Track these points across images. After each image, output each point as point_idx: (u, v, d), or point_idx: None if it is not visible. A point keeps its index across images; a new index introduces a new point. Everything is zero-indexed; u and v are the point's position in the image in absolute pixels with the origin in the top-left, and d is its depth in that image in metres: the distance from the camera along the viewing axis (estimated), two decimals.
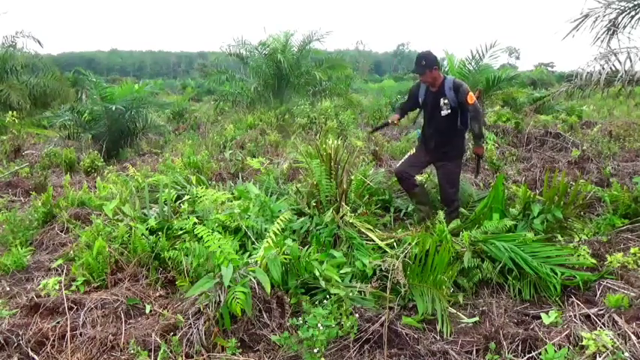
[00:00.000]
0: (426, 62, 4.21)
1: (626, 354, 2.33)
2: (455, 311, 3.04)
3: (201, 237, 3.12)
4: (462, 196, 4.79)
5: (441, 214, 3.93)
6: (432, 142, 4.46)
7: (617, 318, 2.71)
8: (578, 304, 2.96)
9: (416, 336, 2.71)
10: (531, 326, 2.76)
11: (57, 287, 3.17)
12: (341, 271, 3.17)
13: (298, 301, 2.96)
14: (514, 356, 2.50)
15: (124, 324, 2.81)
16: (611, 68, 5.20)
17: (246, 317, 2.74)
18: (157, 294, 3.23)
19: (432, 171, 5.07)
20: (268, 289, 2.77)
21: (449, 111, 4.26)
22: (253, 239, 3.56)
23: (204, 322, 2.66)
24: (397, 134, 10.40)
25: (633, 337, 2.49)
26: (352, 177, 4.58)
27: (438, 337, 2.76)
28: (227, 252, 2.96)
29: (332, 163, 3.96)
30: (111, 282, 3.36)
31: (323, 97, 13.17)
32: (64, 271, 3.48)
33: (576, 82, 5.55)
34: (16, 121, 10.09)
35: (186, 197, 4.47)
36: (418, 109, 4.72)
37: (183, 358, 2.53)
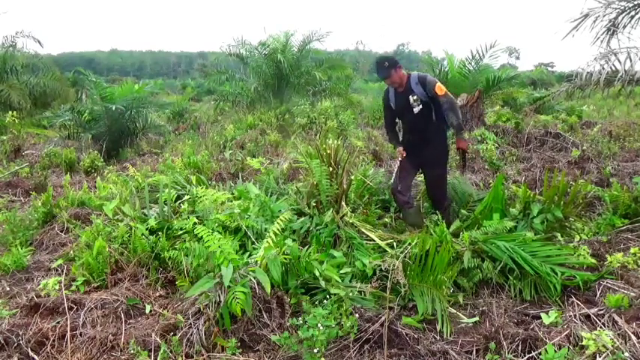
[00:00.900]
0: (389, 63, 4.08)
1: (626, 354, 2.33)
2: (455, 311, 3.04)
3: (201, 237, 3.12)
4: (462, 196, 4.79)
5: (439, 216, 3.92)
6: (414, 146, 4.27)
7: (617, 318, 2.71)
8: (578, 304, 2.96)
9: (416, 336, 2.71)
10: (531, 326, 2.76)
11: (57, 287, 3.17)
12: (341, 271, 3.17)
13: (298, 301, 2.96)
14: (514, 356, 2.49)
15: (124, 324, 2.81)
16: (611, 68, 5.21)
17: (246, 317, 2.74)
18: (157, 294, 3.23)
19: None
20: (268, 289, 2.77)
21: (420, 107, 4.09)
22: (253, 239, 3.56)
23: (204, 322, 2.66)
24: None
25: (633, 337, 2.48)
26: (352, 177, 4.58)
27: (438, 337, 2.76)
28: (227, 252, 2.96)
29: (332, 163, 3.96)
30: (111, 282, 3.36)
31: (323, 97, 13.16)
32: (64, 271, 3.48)
33: (576, 82, 5.56)
34: (16, 121, 10.10)
35: (186, 197, 4.47)
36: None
37: (183, 358, 2.53)
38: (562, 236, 3.92)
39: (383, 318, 2.72)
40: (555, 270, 3.24)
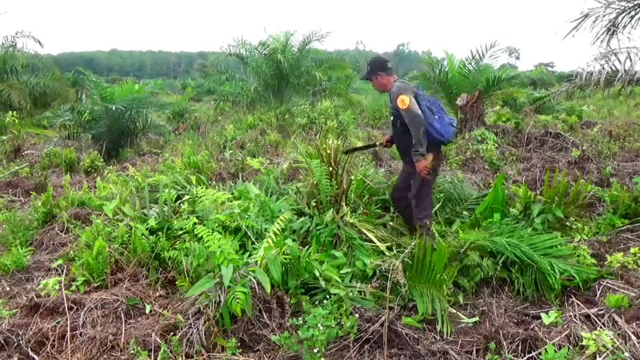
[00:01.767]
0: (371, 68, 3.90)
1: (626, 354, 2.33)
2: (455, 311, 3.04)
3: (201, 237, 3.12)
4: (462, 195, 4.78)
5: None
6: (397, 150, 4.28)
7: (617, 318, 2.71)
8: (578, 304, 2.96)
9: (416, 336, 2.71)
10: (531, 326, 2.76)
11: (57, 287, 3.17)
12: (341, 272, 3.17)
13: (298, 301, 2.96)
14: (514, 356, 2.49)
15: (124, 324, 2.81)
16: (611, 68, 5.21)
17: (246, 317, 2.74)
18: (157, 294, 3.23)
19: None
20: (268, 289, 2.77)
21: (392, 117, 3.96)
22: (253, 239, 3.56)
23: (204, 322, 2.66)
24: None
25: (633, 337, 2.49)
26: (352, 177, 4.57)
27: (438, 337, 2.76)
28: (227, 252, 2.96)
29: (332, 163, 3.96)
30: (111, 282, 3.36)
31: (323, 97, 13.17)
32: (64, 271, 3.48)
33: (576, 82, 5.56)
34: (16, 121, 10.09)
35: (186, 197, 4.47)
36: None
37: (183, 358, 2.53)
38: (562, 236, 3.92)
39: (383, 318, 2.72)
40: (555, 264, 3.25)
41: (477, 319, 2.94)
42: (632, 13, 5.31)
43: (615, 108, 15.87)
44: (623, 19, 5.36)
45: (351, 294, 2.96)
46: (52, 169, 7.89)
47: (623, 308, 2.83)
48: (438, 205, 4.57)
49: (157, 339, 2.63)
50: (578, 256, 3.51)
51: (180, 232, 3.72)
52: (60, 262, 3.65)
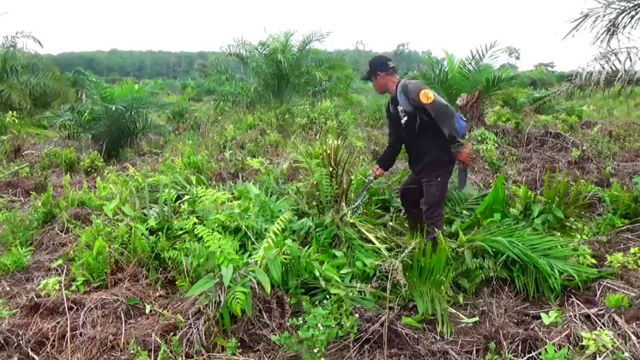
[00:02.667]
0: (371, 68, 3.75)
1: (626, 354, 2.33)
2: (455, 311, 3.04)
3: (201, 237, 3.12)
4: (462, 195, 4.78)
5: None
6: (410, 160, 3.99)
7: (617, 318, 2.71)
8: (578, 304, 2.96)
9: (416, 336, 2.71)
10: (531, 326, 2.76)
11: (57, 287, 3.17)
12: (341, 272, 3.17)
13: (298, 301, 2.96)
14: (514, 356, 2.49)
15: (124, 324, 2.81)
16: (611, 68, 5.21)
17: (246, 317, 2.74)
18: (157, 294, 3.23)
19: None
20: (268, 289, 2.77)
21: (406, 118, 3.68)
22: (253, 239, 3.55)
23: (204, 322, 2.66)
24: None
25: (633, 337, 2.48)
26: (352, 177, 4.57)
27: (438, 337, 2.76)
28: (227, 252, 2.96)
29: (332, 163, 3.96)
30: (111, 282, 3.36)
31: (323, 97, 13.17)
32: (64, 271, 3.48)
33: (576, 82, 5.56)
34: (16, 121, 10.10)
35: (186, 197, 4.47)
36: None
37: (183, 358, 2.53)
38: (562, 236, 3.92)
39: (383, 318, 2.72)
40: (555, 264, 3.25)
41: (476, 319, 2.94)
42: (632, 13, 5.31)
43: (615, 108, 15.86)
44: (623, 19, 5.36)
45: (351, 294, 2.95)
46: (52, 169, 7.89)
47: (623, 308, 2.83)
48: None
49: (157, 339, 2.63)
50: (579, 256, 3.51)
51: (180, 232, 3.72)
52: (60, 262, 3.65)
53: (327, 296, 2.91)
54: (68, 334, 2.68)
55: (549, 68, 43.27)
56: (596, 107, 15.95)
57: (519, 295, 3.28)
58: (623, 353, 2.32)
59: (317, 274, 3.04)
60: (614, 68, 5.18)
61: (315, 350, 2.43)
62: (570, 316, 2.81)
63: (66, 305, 2.94)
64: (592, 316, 2.81)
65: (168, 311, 2.93)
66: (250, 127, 10.39)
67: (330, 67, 14.14)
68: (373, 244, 3.63)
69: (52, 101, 13.78)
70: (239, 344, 2.62)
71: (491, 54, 10.13)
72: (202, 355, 2.55)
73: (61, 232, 4.37)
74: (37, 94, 13.36)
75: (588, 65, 5.35)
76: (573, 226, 4.18)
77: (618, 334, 2.54)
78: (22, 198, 6.01)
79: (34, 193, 5.60)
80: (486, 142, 7.53)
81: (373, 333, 2.67)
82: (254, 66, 13.49)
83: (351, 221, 3.75)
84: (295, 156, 6.39)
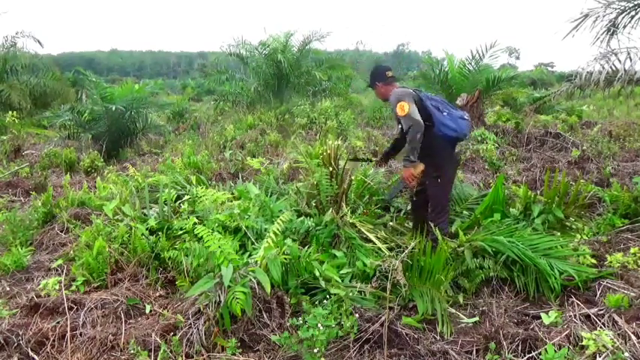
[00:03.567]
0: (370, 79, 3.95)
1: (626, 354, 2.33)
2: (455, 311, 3.04)
3: (201, 237, 3.12)
4: (462, 195, 4.78)
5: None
6: None
7: (617, 318, 2.71)
8: (578, 304, 2.96)
9: (416, 336, 2.71)
10: (531, 326, 2.76)
11: (57, 287, 3.17)
12: (341, 272, 3.17)
13: (298, 301, 2.96)
14: (514, 356, 2.49)
15: (124, 324, 2.81)
16: (611, 68, 5.21)
17: (246, 317, 2.74)
18: (157, 294, 3.23)
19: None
20: (268, 289, 2.77)
21: (399, 124, 3.77)
22: (253, 239, 3.55)
23: (204, 322, 2.66)
24: None
25: (633, 337, 2.48)
26: (352, 177, 4.57)
27: (438, 337, 2.76)
28: (227, 252, 2.96)
29: (332, 163, 3.95)
30: (111, 282, 3.36)
31: (323, 97, 13.17)
32: (64, 271, 3.48)
33: (576, 82, 5.56)
34: (16, 121, 10.10)
35: (186, 197, 4.46)
36: None
37: (183, 358, 2.53)
38: (562, 237, 3.92)
39: (383, 318, 2.72)
40: (555, 264, 3.25)
41: (477, 319, 2.94)
42: (632, 13, 5.31)
43: (615, 108, 15.86)
44: (623, 19, 5.36)
45: (351, 294, 2.95)
46: (52, 169, 7.89)
47: (623, 308, 2.83)
48: None
49: (157, 339, 2.63)
50: (579, 256, 3.51)
51: (180, 232, 3.72)
52: (60, 262, 3.65)
53: (327, 296, 2.91)
54: (68, 334, 2.68)
55: (549, 68, 43.26)
56: (596, 107, 15.95)
57: (519, 295, 3.27)
58: (623, 353, 2.32)
59: (317, 274, 3.04)
60: (614, 68, 5.18)
61: (315, 350, 2.43)
62: (570, 316, 2.81)
63: (66, 305, 2.93)
64: (592, 316, 2.81)
65: (168, 311, 2.93)
66: (250, 127, 10.39)
67: (330, 67, 14.14)
68: (373, 243, 3.63)
69: (52, 101, 13.78)
70: (239, 344, 2.62)
71: (491, 54, 10.16)
72: (202, 355, 2.55)
73: (61, 232, 4.37)
74: (37, 94, 13.36)
75: (588, 65, 5.35)
76: (573, 226, 4.18)
77: (618, 334, 2.54)
78: (22, 198, 6.01)
79: (34, 193, 5.60)
80: (486, 142, 7.54)
81: (373, 333, 2.67)
82: (254, 66, 13.49)
83: (351, 221, 3.75)
84: (295, 156, 6.39)
